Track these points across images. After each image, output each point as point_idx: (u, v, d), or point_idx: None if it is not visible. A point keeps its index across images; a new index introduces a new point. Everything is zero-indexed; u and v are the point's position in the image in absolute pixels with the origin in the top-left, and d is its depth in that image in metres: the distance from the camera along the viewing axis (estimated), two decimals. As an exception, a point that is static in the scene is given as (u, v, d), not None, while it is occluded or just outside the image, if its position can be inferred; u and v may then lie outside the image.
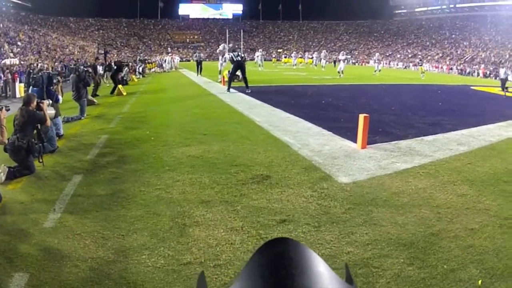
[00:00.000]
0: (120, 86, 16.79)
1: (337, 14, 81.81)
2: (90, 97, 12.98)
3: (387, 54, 63.60)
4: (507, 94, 17.60)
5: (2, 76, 18.02)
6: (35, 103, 6.31)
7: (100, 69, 21.10)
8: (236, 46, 48.53)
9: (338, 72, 26.32)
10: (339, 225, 4.03)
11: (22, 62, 25.37)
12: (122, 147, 7.29)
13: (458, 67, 46.71)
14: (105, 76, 21.19)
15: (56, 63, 31.00)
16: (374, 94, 17.10)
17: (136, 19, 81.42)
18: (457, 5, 70.53)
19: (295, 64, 42.66)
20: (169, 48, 66.95)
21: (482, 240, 3.71)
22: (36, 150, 5.99)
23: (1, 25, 38.25)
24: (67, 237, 3.78)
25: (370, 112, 7.91)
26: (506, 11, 57.17)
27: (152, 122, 9.82)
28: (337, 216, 4.24)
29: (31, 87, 8.80)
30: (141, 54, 45.09)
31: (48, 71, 10.11)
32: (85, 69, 12.60)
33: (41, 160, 6.05)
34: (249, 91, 15.22)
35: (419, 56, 50.13)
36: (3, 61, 22.75)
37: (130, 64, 28.25)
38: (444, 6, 73.25)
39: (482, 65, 43.26)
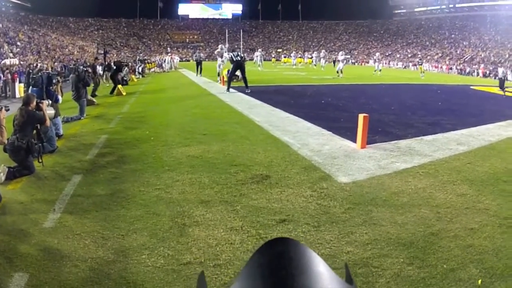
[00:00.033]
0: (119, 86, 16.78)
1: (336, 14, 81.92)
2: (89, 97, 12.98)
3: (387, 54, 63.59)
4: (507, 93, 17.60)
5: (2, 76, 18.00)
6: (34, 103, 6.31)
7: (99, 69, 21.09)
8: (236, 46, 48.64)
9: (337, 72, 26.13)
10: (338, 224, 4.03)
11: (21, 62, 25.35)
12: (122, 147, 7.29)
13: (458, 67, 46.71)
14: (104, 76, 21.15)
15: (56, 63, 30.97)
16: (374, 94, 17.10)
17: (136, 19, 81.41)
18: (457, 5, 70.54)
19: (295, 64, 42.67)
20: (168, 48, 66.92)
21: (481, 240, 3.71)
22: (36, 150, 5.99)
23: (1, 25, 38.22)
24: (67, 237, 3.78)
25: (370, 112, 7.91)
26: (505, 11, 57.19)
27: (152, 122, 9.82)
28: (336, 216, 4.24)
29: (30, 87, 8.80)
30: (141, 54, 45.14)
31: (47, 71, 10.10)
32: (85, 69, 12.61)
33: (40, 160, 6.05)
34: (249, 91, 15.22)
35: (419, 56, 50.09)
36: (3, 61, 22.73)
37: (130, 64, 28.25)
38: (444, 6, 73.27)
39: (482, 65, 43.28)
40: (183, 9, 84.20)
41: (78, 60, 35.59)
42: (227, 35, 63.94)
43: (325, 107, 12.14)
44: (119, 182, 5.36)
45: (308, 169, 5.87)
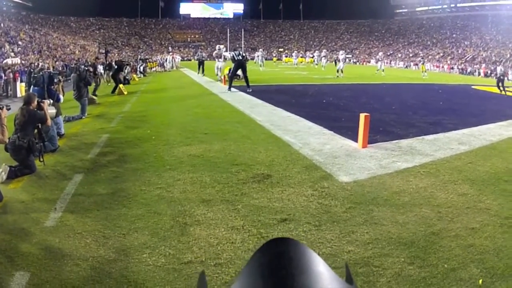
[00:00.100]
0: (121, 85, 16.80)
1: (338, 14, 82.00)
2: (90, 95, 12.99)
3: (388, 54, 63.54)
4: (507, 93, 17.57)
5: (3, 75, 18.03)
6: (35, 102, 6.31)
7: (100, 68, 21.09)
8: (237, 45, 48.57)
9: (337, 71, 25.86)
10: (339, 224, 4.03)
11: (23, 62, 25.39)
12: (123, 146, 7.30)
13: (459, 67, 46.70)
14: (105, 76, 21.15)
15: (57, 63, 31.01)
16: (375, 93, 17.09)
17: (137, 19, 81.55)
18: (458, 5, 70.53)
19: (296, 64, 42.64)
20: (170, 48, 66.96)
21: (482, 240, 3.70)
22: (37, 149, 6.00)
23: (2, 25, 38.28)
24: (68, 236, 3.79)
25: (371, 111, 7.91)
26: (507, 11, 57.13)
27: (153, 121, 9.82)
28: (337, 215, 4.24)
29: (32, 86, 8.80)
30: (142, 54, 45.15)
31: (49, 71, 10.10)
32: (86, 68, 12.62)
33: (42, 159, 6.05)
34: (250, 91, 15.21)
35: (421, 55, 50.04)
36: (4, 61, 22.75)
37: (131, 63, 28.26)
38: (445, 6, 73.26)
39: (483, 65, 43.25)
40: (184, 9, 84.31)
41: (80, 60, 35.64)
42: (228, 35, 63.99)
43: (326, 107, 12.13)
44: (120, 181, 5.37)
45: (309, 168, 5.87)
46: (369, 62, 61.22)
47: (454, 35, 62.41)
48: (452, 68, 47.07)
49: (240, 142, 7.35)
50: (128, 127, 9.08)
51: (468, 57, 50.97)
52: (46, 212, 4.36)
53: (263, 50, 44.67)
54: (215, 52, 20.66)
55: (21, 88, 17.57)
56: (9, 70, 18.54)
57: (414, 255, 3.42)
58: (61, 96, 8.52)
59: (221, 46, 21.37)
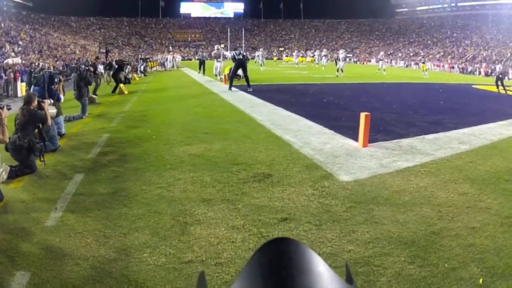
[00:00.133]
0: (121, 85, 16.80)
1: (338, 13, 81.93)
2: (91, 94, 12.99)
3: (389, 53, 63.50)
4: (508, 92, 17.54)
5: (4, 75, 18.03)
6: (36, 102, 6.32)
7: (101, 68, 21.10)
8: (238, 45, 48.52)
9: (337, 70, 25.62)
10: (340, 223, 4.03)
11: (23, 62, 25.39)
12: (124, 146, 7.30)
13: (460, 66, 46.64)
14: (105, 75, 21.15)
15: (58, 62, 31.04)
16: (376, 92, 17.08)
17: (138, 18, 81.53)
18: (458, 4, 70.49)
19: (297, 63, 42.60)
20: (170, 47, 66.87)
21: (483, 239, 3.70)
22: (37, 149, 6.00)
23: (3, 25, 38.29)
24: (69, 236, 3.79)
25: (372, 111, 7.90)
26: (507, 10, 57.04)
27: (154, 121, 9.83)
28: (338, 215, 4.24)
29: (32, 86, 8.80)
30: (143, 53, 45.15)
31: (49, 70, 10.12)
32: (87, 68, 12.63)
33: (42, 159, 6.05)
34: (251, 90, 15.20)
35: (421, 54, 49.99)
36: (5, 61, 22.75)
37: (132, 63, 28.26)
38: (446, 5, 73.22)
39: (484, 64, 43.18)
40: (185, 8, 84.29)
41: (80, 59, 35.65)
42: (229, 34, 63.80)
43: (326, 106, 12.13)
44: (121, 180, 5.37)
45: (309, 167, 5.87)
46: (369, 61, 61.19)
47: (454, 34, 62.35)
48: (453, 68, 47.01)
49: (240, 142, 7.35)
50: (128, 127, 9.09)
51: (468, 56, 50.93)
52: (46, 211, 4.37)
53: (264, 49, 44.58)
54: (214, 52, 20.60)
55: (21, 88, 17.56)
56: (10, 70, 18.54)
57: (415, 255, 3.42)
58: (61, 96, 8.52)
59: (220, 46, 21.30)
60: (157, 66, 36.58)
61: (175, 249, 3.55)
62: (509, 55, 44.48)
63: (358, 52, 69.76)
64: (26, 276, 3.14)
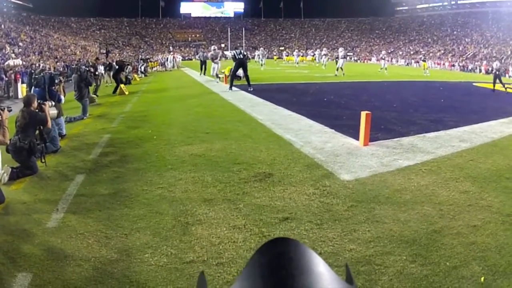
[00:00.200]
0: (122, 85, 16.81)
1: (338, 12, 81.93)
2: (91, 94, 12.99)
3: (389, 51, 63.46)
4: (508, 90, 17.49)
5: (5, 77, 18.04)
6: (35, 103, 6.32)
7: (101, 69, 21.11)
8: (238, 44, 48.58)
9: (337, 69, 25.22)
10: (341, 222, 4.03)
11: (23, 63, 25.41)
12: (125, 147, 7.31)
13: (460, 64, 46.60)
14: (106, 76, 21.14)
15: (58, 63, 31.06)
16: (376, 91, 17.06)
17: (138, 19, 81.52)
18: (459, 2, 70.42)
19: (297, 62, 42.58)
20: (171, 47, 66.94)
21: (484, 237, 3.70)
22: (38, 150, 6.01)
23: (3, 26, 38.31)
24: (70, 237, 3.79)
25: (372, 109, 7.89)
26: (507, 8, 56.91)
27: (154, 121, 9.83)
28: (339, 214, 4.24)
29: (33, 87, 8.81)
30: (143, 53, 45.16)
31: (50, 71, 10.13)
32: (87, 69, 12.63)
33: (43, 160, 6.06)
34: (251, 89, 15.20)
35: (422, 53, 49.95)
36: (6, 62, 22.78)
37: (133, 63, 28.27)
38: (446, 3, 73.14)
39: (484, 62, 43.10)
40: (185, 8, 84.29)
41: (81, 60, 35.66)
42: (229, 34, 63.96)
43: (327, 105, 12.13)
44: (122, 181, 5.37)
45: (310, 167, 5.87)
46: (370, 60, 61.13)
47: (455, 32, 62.28)
48: (453, 66, 46.97)
49: (241, 141, 7.35)
50: (129, 127, 9.10)
51: (469, 54, 50.87)
52: (48, 213, 4.37)
53: (264, 48, 44.57)
54: (211, 53, 20.57)
55: (22, 89, 17.56)
56: (11, 71, 18.55)
57: (416, 253, 3.42)
58: (62, 97, 8.53)
59: (216, 47, 21.29)
60: (158, 66, 36.60)
61: (177, 249, 3.55)
62: (509, 52, 44.42)
63: (358, 50, 69.76)
64: (28, 277, 3.15)
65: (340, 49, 28.09)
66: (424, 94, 15.99)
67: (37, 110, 6.29)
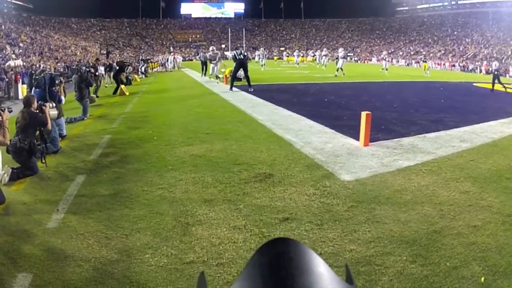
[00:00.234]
0: (122, 86, 16.82)
1: (338, 12, 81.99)
2: (91, 94, 12.99)
3: (390, 52, 63.44)
4: (507, 90, 17.46)
5: (5, 77, 18.04)
6: (35, 104, 6.32)
7: (102, 69, 21.11)
8: (239, 45, 48.55)
9: (337, 70, 25.06)
10: (341, 223, 4.03)
11: (24, 63, 25.42)
12: (125, 147, 7.31)
13: (461, 64, 46.59)
14: (106, 77, 21.13)
15: (59, 64, 31.07)
16: (377, 91, 17.07)
17: (138, 19, 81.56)
18: (459, 2, 70.43)
19: (298, 63, 42.57)
20: (171, 48, 67.01)
21: (484, 237, 3.70)
22: (38, 151, 6.01)
23: (3, 27, 38.33)
24: (71, 237, 3.80)
25: (373, 110, 7.90)
26: (507, 8, 56.87)
27: (155, 121, 9.84)
28: (339, 214, 4.24)
29: (33, 88, 8.82)
30: (144, 54, 45.16)
31: (50, 72, 10.14)
32: (87, 69, 12.64)
33: (44, 161, 6.07)
34: (252, 90, 15.21)
35: (423, 53, 49.94)
36: (7, 63, 22.79)
37: (133, 64, 28.27)
38: (446, 3, 73.14)
39: (485, 62, 43.08)
40: (185, 9, 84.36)
41: (81, 61, 35.66)
42: (229, 34, 63.96)
43: (327, 105, 12.13)
44: (123, 182, 5.38)
45: (311, 167, 5.87)
46: (370, 60, 61.15)
47: (455, 33, 62.28)
48: (454, 66, 46.97)
49: (241, 142, 7.36)
50: (130, 128, 9.10)
51: (469, 54, 50.86)
52: (48, 213, 4.38)
53: (265, 49, 44.53)
54: (209, 54, 20.60)
55: (22, 90, 17.55)
56: (11, 72, 18.55)
57: (416, 254, 3.42)
58: (62, 98, 8.54)
59: (214, 48, 21.36)
60: (158, 67, 36.59)
61: (177, 250, 3.55)
62: (509, 53, 44.39)
63: (359, 51, 69.77)
64: (28, 277, 3.15)
65: (340, 49, 28.04)
66: (424, 95, 15.98)
67: (37, 111, 6.29)
